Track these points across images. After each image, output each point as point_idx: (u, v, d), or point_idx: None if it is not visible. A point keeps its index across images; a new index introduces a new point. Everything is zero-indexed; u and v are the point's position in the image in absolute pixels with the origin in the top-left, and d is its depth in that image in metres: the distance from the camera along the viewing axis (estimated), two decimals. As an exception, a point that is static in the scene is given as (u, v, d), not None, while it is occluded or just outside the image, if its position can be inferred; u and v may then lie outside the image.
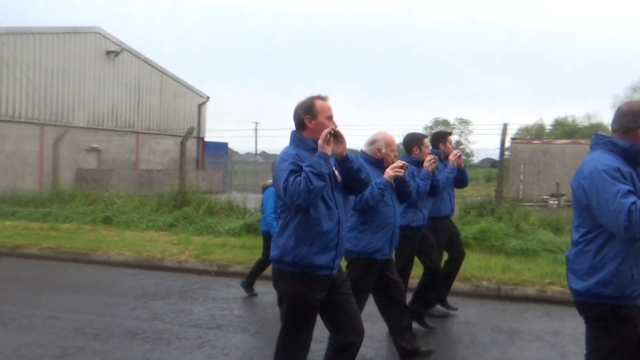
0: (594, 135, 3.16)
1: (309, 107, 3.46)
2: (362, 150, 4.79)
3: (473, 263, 8.64)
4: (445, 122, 64.71)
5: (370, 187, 4.16)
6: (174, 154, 25.31)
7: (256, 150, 53.04)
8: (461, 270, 8.13)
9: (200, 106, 32.43)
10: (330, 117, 3.46)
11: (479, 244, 9.84)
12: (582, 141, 29.32)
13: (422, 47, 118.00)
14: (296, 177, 3.20)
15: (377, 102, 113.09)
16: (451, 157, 5.98)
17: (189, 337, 5.59)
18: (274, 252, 3.44)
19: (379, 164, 4.65)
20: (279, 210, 3.52)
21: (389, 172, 4.48)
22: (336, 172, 3.44)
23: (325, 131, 3.30)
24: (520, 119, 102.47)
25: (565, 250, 9.44)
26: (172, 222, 12.64)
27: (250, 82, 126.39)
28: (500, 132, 12.55)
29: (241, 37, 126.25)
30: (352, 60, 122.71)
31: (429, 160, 5.26)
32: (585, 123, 62.08)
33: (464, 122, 63.39)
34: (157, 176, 24.78)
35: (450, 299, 6.77)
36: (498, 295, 7.45)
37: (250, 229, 11.57)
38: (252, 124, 61.49)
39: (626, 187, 2.76)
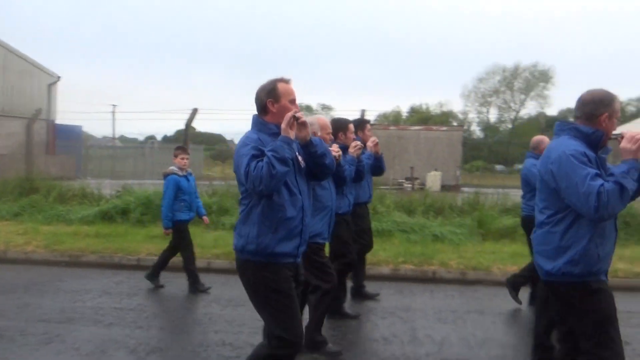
0: (558, 122, 3.34)
1: (271, 90, 3.33)
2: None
3: (332, 245, 8.89)
4: (308, 108, 65.68)
5: None
6: (21, 137, 23.42)
7: (114, 134, 50.58)
8: (321, 253, 8.36)
9: (50, 86, 30.27)
10: (293, 101, 3.36)
11: (338, 226, 10.13)
12: (434, 127, 31.21)
13: (283, 30, 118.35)
14: (258, 162, 3.08)
15: (237, 84, 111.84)
16: (369, 144, 6.08)
17: (36, 333, 5.22)
18: (237, 241, 3.30)
19: None
20: (240, 198, 3.34)
21: None
22: (299, 158, 3.34)
23: (289, 115, 3.19)
24: (379, 105, 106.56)
25: (417, 230, 10.07)
26: (17, 211, 11.75)
27: (108, 62, 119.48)
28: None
29: (96, 13, 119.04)
30: (212, 41, 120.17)
31: (354, 146, 5.31)
32: (438, 111, 66.01)
33: (326, 107, 64.62)
34: (1, 161, 22.80)
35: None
36: (355, 275, 7.71)
37: (105, 217, 11.04)
38: (109, 106, 58.29)
39: (594, 171, 2.94)
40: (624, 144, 3.03)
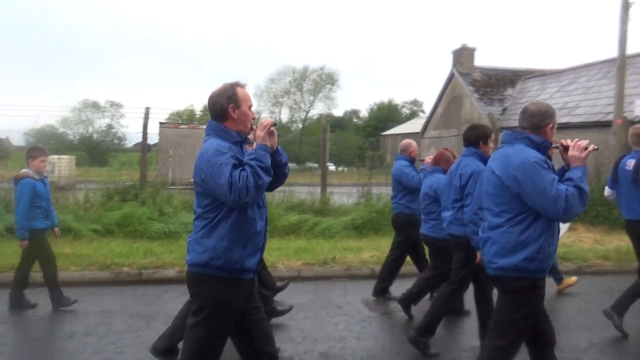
0: (509, 131, 3.49)
1: (231, 95, 3.14)
2: None
3: (115, 250, 8.48)
4: (95, 104, 61.95)
5: None
6: None
7: None
8: (101, 258, 7.93)
9: None
10: (250, 107, 3.21)
11: (122, 229, 9.68)
12: (226, 127, 31.33)
13: (60, 21, 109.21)
14: (241, 171, 2.91)
15: (30, 79, 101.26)
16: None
17: None
18: (199, 256, 3.04)
19: None
20: (200, 210, 3.07)
21: None
22: None
23: (268, 123, 3.09)
24: (174, 103, 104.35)
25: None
26: None
27: None
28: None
29: None
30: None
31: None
32: (231, 110, 66.46)
33: (115, 104, 61.37)
34: None
35: (89, 289, 6.51)
36: (139, 280, 7.41)
37: None
38: None
39: (556, 176, 3.21)
40: (571, 152, 3.37)
